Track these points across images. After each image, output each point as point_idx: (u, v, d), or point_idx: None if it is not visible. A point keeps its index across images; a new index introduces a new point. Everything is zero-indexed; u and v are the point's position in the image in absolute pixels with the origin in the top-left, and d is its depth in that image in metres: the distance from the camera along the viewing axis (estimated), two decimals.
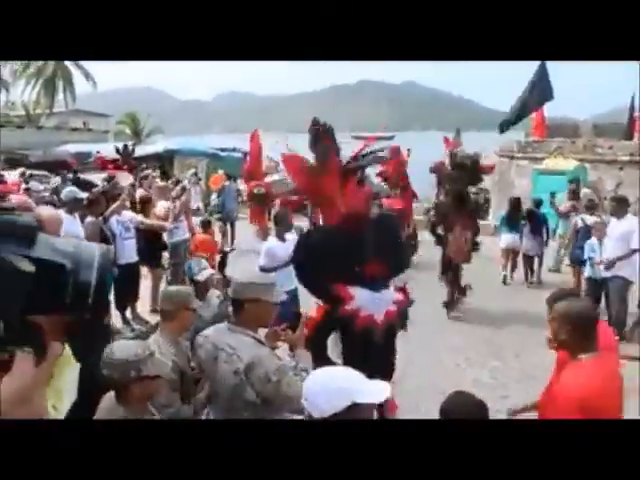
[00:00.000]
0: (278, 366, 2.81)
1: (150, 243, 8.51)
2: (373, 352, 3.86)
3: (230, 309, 3.19)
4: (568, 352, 2.94)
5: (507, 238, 10.62)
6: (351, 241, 3.95)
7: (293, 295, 6.82)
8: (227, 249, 10.43)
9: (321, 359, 3.67)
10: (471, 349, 7.33)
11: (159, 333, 3.56)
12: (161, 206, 9.11)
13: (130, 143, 17.89)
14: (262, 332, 3.20)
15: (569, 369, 2.92)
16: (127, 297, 7.88)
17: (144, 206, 8.87)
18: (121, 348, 2.70)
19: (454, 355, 7.13)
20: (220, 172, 16.41)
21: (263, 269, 6.67)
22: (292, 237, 7.00)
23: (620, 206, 8.02)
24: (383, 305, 3.96)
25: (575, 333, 2.86)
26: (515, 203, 10.77)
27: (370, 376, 2.32)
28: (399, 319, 4.12)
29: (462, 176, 8.08)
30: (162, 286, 8.21)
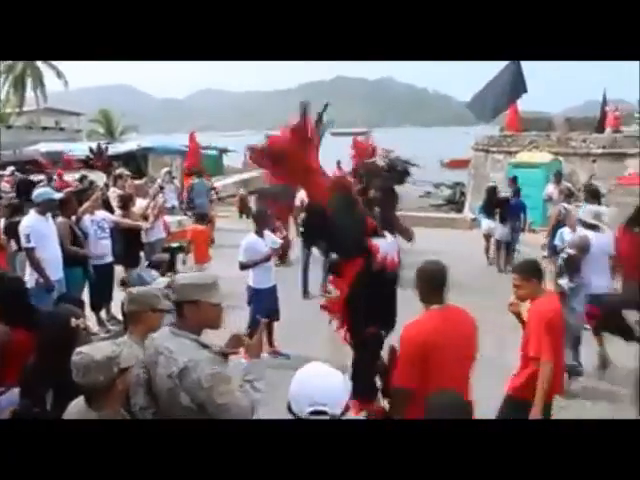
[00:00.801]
0: (214, 373, 2.66)
1: (129, 243, 8.42)
2: (387, 289, 4.47)
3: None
4: (424, 305, 3.61)
5: (485, 224, 11.58)
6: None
7: (271, 292, 6.90)
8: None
9: (358, 316, 4.29)
10: None
11: (127, 336, 3.47)
12: (139, 205, 9.02)
13: (104, 142, 17.67)
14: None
15: (419, 316, 3.60)
16: (101, 298, 7.77)
17: (125, 205, 8.75)
18: (96, 350, 2.61)
19: None
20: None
21: (243, 265, 6.78)
22: (271, 234, 7.23)
23: (593, 197, 8.15)
24: (394, 248, 4.56)
25: (425, 288, 3.59)
26: (490, 192, 11.60)
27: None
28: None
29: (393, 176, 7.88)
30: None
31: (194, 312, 2.85)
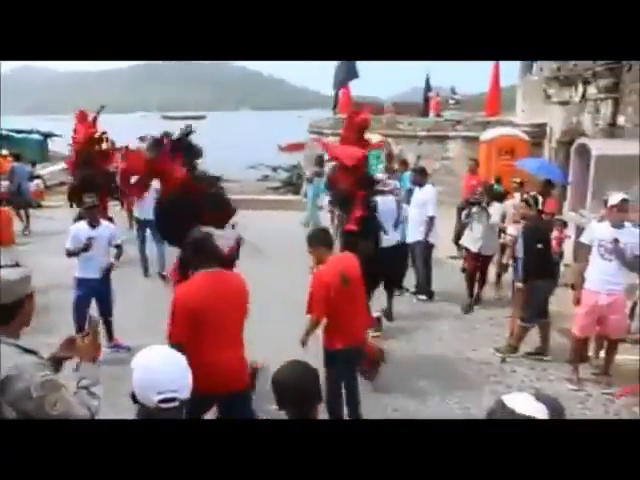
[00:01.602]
0: (44, 380, 2.34)
1: None
2: None
3: None
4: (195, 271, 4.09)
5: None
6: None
7: (98, 283, 6.66)
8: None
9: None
10: None
11: None
12: None
13: None
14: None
15: (189, 280, 4.10)
16: None
17: None
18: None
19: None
20: (4, 152, 15.32)
21: (69, 252, 6.55)
22: (107, 225, 6.97)
23: (421, 176, 8.75)
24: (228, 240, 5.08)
25: (194, 255, 4.10)
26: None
27: None
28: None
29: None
30: None
31: (28, 308, 2.56)
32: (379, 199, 7.25)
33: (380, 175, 9.32)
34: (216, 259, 4.09)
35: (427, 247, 8.51)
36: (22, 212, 13.13)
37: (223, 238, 4.83)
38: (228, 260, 4.88)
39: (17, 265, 2.59)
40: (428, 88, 21.18)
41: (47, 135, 25.90)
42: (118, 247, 6.87)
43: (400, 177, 11.16)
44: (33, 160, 14.62)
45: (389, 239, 7.35)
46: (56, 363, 2.76)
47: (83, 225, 6.71)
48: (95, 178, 10.42)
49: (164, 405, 2.19)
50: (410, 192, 9.17)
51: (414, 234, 8.41)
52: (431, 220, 8.40)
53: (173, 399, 2.20)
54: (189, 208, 5.23)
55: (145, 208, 9.78)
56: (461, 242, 8.81)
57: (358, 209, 6.68)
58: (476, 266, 8.39)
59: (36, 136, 20.53)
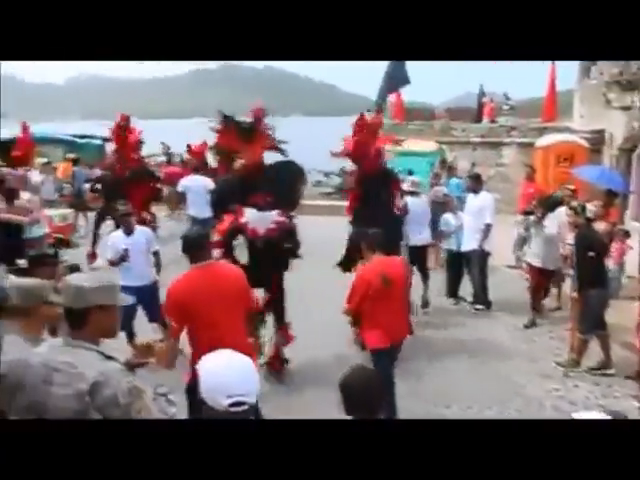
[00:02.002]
0: (130, 387, 2.39)
1: (11, 238, 7.85)
2: (259, 255, 6.00)
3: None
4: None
5: None
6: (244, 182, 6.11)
7: (141, 291, 6.14)
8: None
9: (228, 257, 5.89)
10: None
11: (16, 334, 3.25)
12: (24, 198, 8.45)
13: None
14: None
15: (183, 273, 4.23)
16: None
17: (9, 198, 8.12)
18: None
19: None
20: (71, 156, 15.85)
21: (110, 262, 6.48)
22: (142, 231, 6.80)
23: (476, 183, 8.61)
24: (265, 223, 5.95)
25: (185, 252, 4.25)
26: None
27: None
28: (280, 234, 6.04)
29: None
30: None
31: (98, 318, 2.54)
32: (409, 199, 7.87)
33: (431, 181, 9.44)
34: (205, 255, 4.28)
35: (483, 255, 8.35)
36: (81, 214, 13.50)
37: (261, 220, 5.88)
38: (265, 240, 5.89)
39: (78, 269, 2.67)
40: (482, 93, 20.87)
41: (106, 139, 26.66)
42: (155, 254, 6.75)
43: (447, 183, 11.07)
44: (92, 164, 15.04)
45: (420, 238, 8.17)
46: (130, 368, 2.79)
47: (119, 233, 6.68)
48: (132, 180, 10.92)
49: (233, 409, 2.18)
50: (458, 199, 9.17)
51: (470, 242, 8.30)
52: (488, 228, 8.24)
53: (242, 403, 2.20)
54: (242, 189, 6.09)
55: (200, 207, 10.06)
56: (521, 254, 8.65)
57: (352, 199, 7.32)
58: (540, 281, 8.07)
59: (97, 141, 21.09)
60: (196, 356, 2.93)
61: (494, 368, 6.63)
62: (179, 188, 11.42)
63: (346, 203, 7.63)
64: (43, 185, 12.70)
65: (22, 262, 4.81)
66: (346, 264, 6.99)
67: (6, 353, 2.95)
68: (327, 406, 4.99)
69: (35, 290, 3.31)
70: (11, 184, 8.54)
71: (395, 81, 18.23)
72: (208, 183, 10.63)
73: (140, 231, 6.74)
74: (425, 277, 8.50)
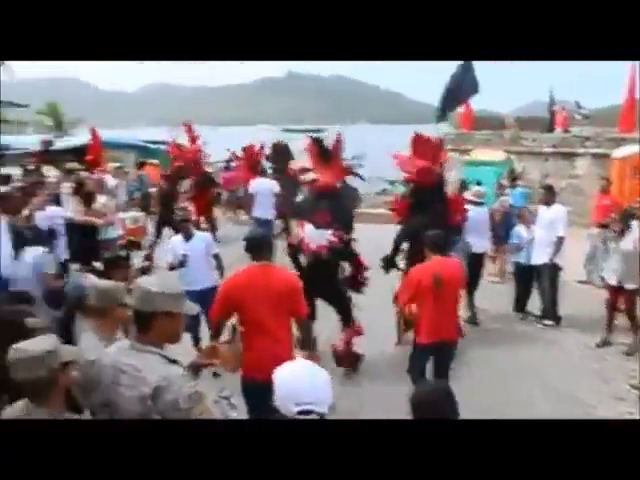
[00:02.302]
0: (191, 392, 2.42)
1: (87, 239, 8.16)
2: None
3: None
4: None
5: None
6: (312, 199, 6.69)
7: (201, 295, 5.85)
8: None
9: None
10: None
11: (92, 332, 3.35)
12: (100, 201, 8.75)
13: (52, 135, 17.11)
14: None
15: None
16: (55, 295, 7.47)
17: (87, 201, 8.43)
18: (33, 344, 2.49)
19: None
20: (154, 162, 16.83)
21: (170, 267, 6.54)
22: (201, 236, 6.92)
23: (549, 195, 8.35)
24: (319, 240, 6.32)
25: (247, 251, 4.50)
26: None
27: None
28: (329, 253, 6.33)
29: None
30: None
31: (163, 324, 2.58)
32: (471, 208, 8.05)
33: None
34: (266, 256, 4.49)
35: (554, 269, 8.09)
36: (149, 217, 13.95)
37: (316, 236, 6.26)
38: (319, 255, 6.29)
39: (148, 271, 2.69)
40: (552, 101, 20.21)
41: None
42: (216, 257, 6.78)
43: (512, 193, 10.87)
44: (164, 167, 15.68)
45: (478, 246, 8.46)
46: (195, 370, 2.83)
47: (178, 239, 6.75)
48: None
49: (302, 417, 2.20)
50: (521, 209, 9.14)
51: (541, 255, 8.07)
52: (560, 241, 8.00)
53: (311, 411, 2.20)
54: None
55: (265, 209, 10.41)
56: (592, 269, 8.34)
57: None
58: (617, 298, 7.64)
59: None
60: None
61: (563, 387, 6.38)
62: (250, 190, 11.65)
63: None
64: (116, 189, 13.17)
65: (98, 264, 4.97)
66: (390, 263, 7.28)
67: (83, 349, 3.06)
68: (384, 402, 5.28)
69: (111, 292, 3.41)
70: (89, 188, 8.84)
71: (466, 90, 17.86)
72: (274, 186, 11.17)
73: (199, 236, 6.84)
74: (474, 285, 8.45)
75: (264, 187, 11.35)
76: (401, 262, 7.27)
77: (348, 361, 6.56)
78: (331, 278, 6.66)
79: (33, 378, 2.41)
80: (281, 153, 12.94)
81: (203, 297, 5.45)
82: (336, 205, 6.51)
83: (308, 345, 4.80)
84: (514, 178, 11.97)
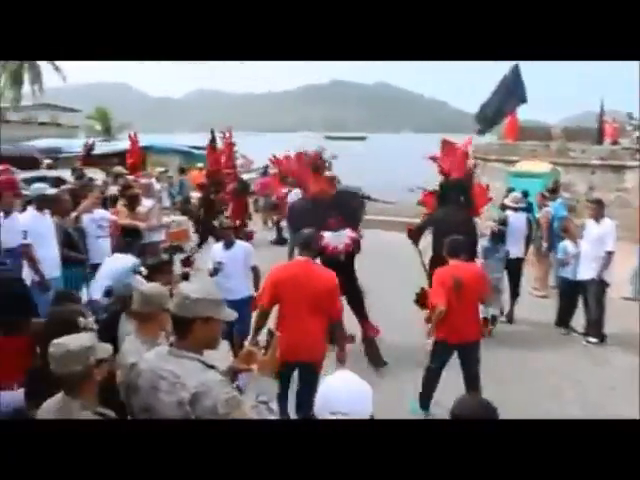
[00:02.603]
0: (229, 397, 2.43)
1: (131, 243, 8.28)
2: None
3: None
4: None
5: None
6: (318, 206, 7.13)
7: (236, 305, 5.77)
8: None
9: None
10: None
11: (134, 335, 3.41)
12: (145, 204, 8.90)
13: (91, 140, 17.57)
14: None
15: None
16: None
17: (132, 205, 8.61)
18: (73, 340, 2.64)
19: None
20: (200, 165, 17.17)
21: (209, 273, 6.54)
22: (242, 245, 6.82)
23: (599, 209, 8.12)
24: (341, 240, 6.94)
25: (296, 246, 5.66)
26: None
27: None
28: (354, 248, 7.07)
29: None
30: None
31: (202, 330, 2.60)
32: (510, 214, 8.79)
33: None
34: (312, 252, 5.14)
35: (601, 286, 7.88)
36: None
37: (337, 238, 6.88)
38: (343, 255, 6.89)
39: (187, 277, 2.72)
40: (602, 112, 19.69)
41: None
42: (254, 270, 6.63)
43: (554, 205, 10.73)
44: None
45: (514, 252, 8.69)
46: (232, 375, 2.84)
47: (219, 246, 6.73)
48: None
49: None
50: (560, 220, 9.23)
51: (587, 271, 7.89)
52: (609, 256, 7.80)
53: None
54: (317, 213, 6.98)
55: None
56: None
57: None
58: None
59: None
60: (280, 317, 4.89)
61: (607, 408, 6.18)
62: (288, 199, 11.93)
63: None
64: (160, 193, 13.43)
65: (142, 269, 5.04)
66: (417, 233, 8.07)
67: (126, 351, 3.11)
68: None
69: (155, 297, 3.46)
70: (134, 191, 9.01)
71: (514, 100, 17.60)
72: None
73: (239, 245, 6.75)
74: (515, 293, 8.79)
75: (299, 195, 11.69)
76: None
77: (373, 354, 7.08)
78: (351, 275, 7.16)
79: (69, 372, 2.54)
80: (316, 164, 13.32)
81: (234, 308, 5.14)
82: (343, 208, 7.16)
83: (341, 343, 5.23)
84: (553, 190, 11.75)
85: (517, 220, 8.76)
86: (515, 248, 8.69)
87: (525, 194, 10.21)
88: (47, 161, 16.07)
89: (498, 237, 8.43)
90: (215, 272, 6.41)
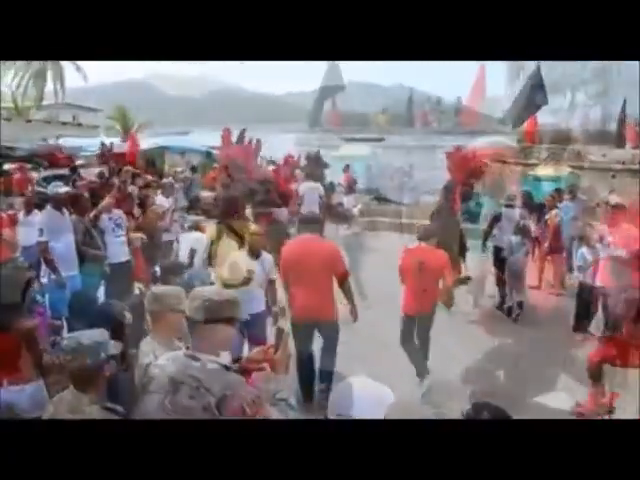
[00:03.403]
0: (254, 397, 2.43)
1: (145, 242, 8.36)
2: None
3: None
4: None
5: None
6: None
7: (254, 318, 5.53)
8: None
9: None
10: None
11: (151, 336, 3.42)
12: (159, 204, 8.95)
13: (109, 140, 17.80)
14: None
15: None
16: (117, 296, 7.66)
17: (142, 203, 8.67)
18: (85, 335, 2.74)
19: None
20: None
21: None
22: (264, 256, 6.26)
23: (620, 213, 7.98)
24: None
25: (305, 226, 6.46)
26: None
27: None
28: None
29: None
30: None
31: (221, 332, 2.60)
32: (504, 210, 9.86)
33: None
34: (315, 229, 6.20)
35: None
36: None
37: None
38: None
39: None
40: (623, 116, 19.40)
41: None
42: (271, 284, 6.18)
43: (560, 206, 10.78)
44: None
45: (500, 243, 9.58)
46: (245, 374, 2.81)
47: (242, 253, 6.07)
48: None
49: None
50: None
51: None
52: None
53: None
54: None
55: (311, 206, 11.94)
56: None
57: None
58: None
59: None
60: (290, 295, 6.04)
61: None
62: (300, 192, 12.87)
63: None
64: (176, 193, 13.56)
65: (156, 269, 5.07)
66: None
67: (142, 351, 3.13)
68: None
69: (164, 297, 3.46)
70: (146, 192, 9.08)
71: (535, 103, 17.41)
72: (318, 187, 13.26)
73: (263, 258, 6.15)
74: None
75: (310, 188, 13.06)
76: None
77: None
78: None
79: (80, 366, 2.61)
80: (314, 162, 14.99)
81: (251, 321, 4.77)
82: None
83: (350, 299, 6.00)
84: (569, 192, 11.69)
85: (510, 214, 9.77)
86: (500, 239, 9.67)
87: (529, 195, 11.05)
88: (79, 162, 16.44)
89: (523, 233, 9.18)
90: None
